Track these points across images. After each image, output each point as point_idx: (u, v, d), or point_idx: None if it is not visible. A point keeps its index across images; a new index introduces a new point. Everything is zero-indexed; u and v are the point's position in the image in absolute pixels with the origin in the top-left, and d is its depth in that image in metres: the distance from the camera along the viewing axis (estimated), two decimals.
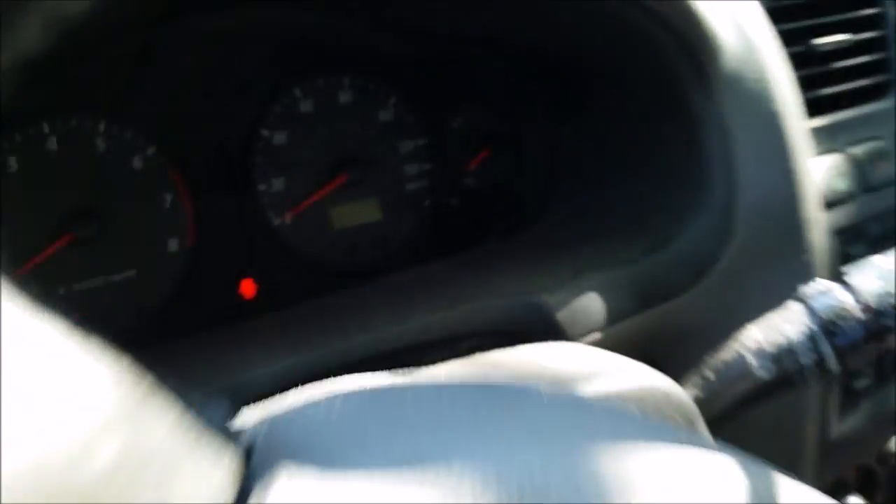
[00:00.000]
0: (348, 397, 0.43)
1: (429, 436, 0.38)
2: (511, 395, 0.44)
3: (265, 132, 1.11)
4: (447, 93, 1.23)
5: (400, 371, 0.77)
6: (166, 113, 1.05)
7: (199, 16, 1.02)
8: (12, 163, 0.95)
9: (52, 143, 0.98)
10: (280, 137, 1.12)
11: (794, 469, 1.05)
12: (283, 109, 1.12)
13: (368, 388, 0.45)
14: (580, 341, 0.90)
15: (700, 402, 0.70)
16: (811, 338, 0.71)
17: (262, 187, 1.11)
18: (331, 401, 0.42)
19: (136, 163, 1.04)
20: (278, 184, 1.12)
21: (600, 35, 1.00)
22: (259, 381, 0.86)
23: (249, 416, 0.43)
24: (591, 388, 0.63)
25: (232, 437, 0.38)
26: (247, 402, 0.85)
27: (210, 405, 0.38)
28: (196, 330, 1.06)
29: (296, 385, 0.88)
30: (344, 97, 1.17)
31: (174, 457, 0.32)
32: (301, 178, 1.14)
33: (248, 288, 1.11)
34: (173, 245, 1.07)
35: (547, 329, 0.90)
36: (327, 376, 0.91)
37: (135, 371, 0.33)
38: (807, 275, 0.95)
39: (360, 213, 1.18)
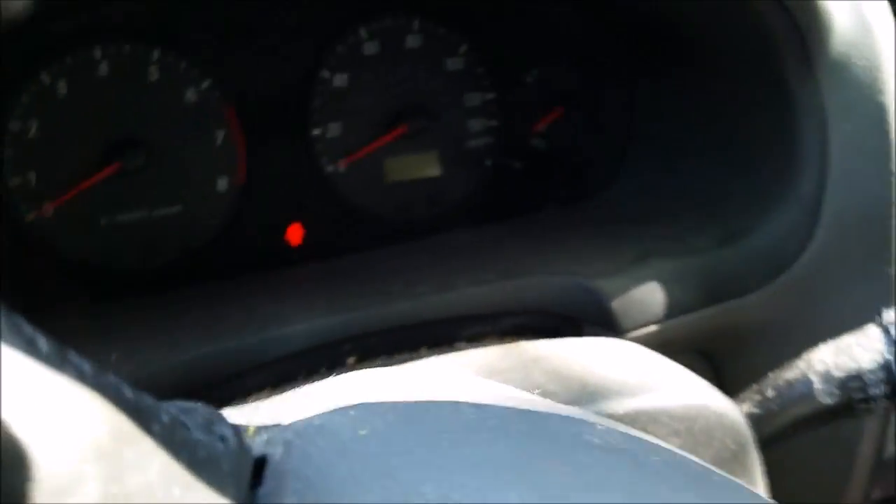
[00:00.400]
0: (376, 415, 0.39)
1: (465, 478, 0.33)
2: (558, 436, 0.39)
3: (325, 73, 1.06)
4: (522, 45, 1.15)
5: (428, 356, 0.73)
6: (224, 46, 1.00)
7: None
8: (61, 86, 0.93)
9: (104, 69, 0.95)
10: (340, 80, 1.07)
11: (843, 485, 0.98)
12: (346, 50, 1.06)
13: (399, 404, 0.40)
14: (633, 333, 0.84)
15: (754, 420, 0.64)
16: (885, 368, 0.64)
17: (316, 132, 1.06)
18: (356, 419, 0.38)
19: (190, 95, 1.00)
20: (334, 129, 1.07)
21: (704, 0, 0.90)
22: (291, 338, 0.83)
23: (257, 423, 0.39)
24: (639, 403, 0.58)
25: (240, 455, 0.34)
26: (275, 360, 0.83)
27: (216, 420, 0.34)
28: (237, 273, 1.03)
29: (326, 348, 0.85)
30: (412, 41, 1.10)
31: (171, 485, 0.28)
32: (358, 125, 1.08)
33: (294, 234, 1.07)
34: (222, 184, 1.04)
35: (599, 316, 0.85)
36: (362, 339, 0.89)
37: (135, 393, 0.29)
38: (890, 296, 0.86)
39: (416, 166, 1.13)
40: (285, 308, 0.87)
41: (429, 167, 1.13)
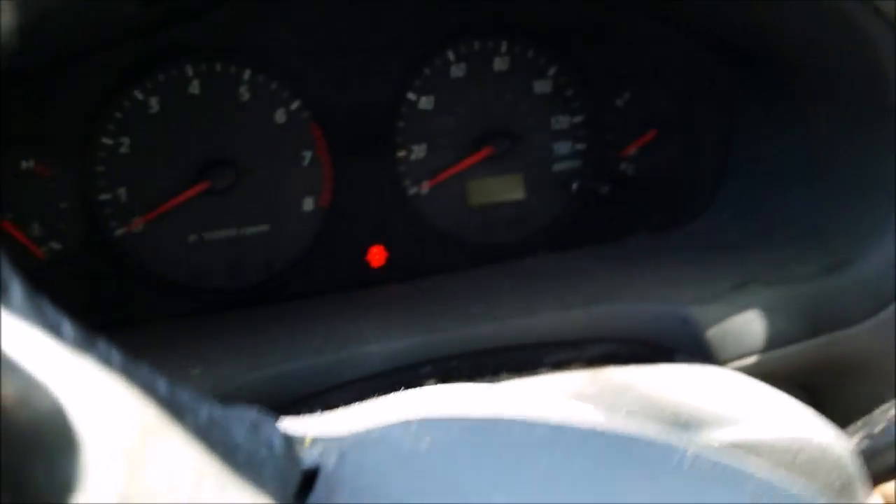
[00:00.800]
0: (440, 429, 0.36)
1: (537, 493, 0.30)
2: (642, 457, 0.35)
3: (412, 95, 1.05)
4: (614, 67, 1.12)
5: (509, 380, 0.70)
6: (313, 67, 1.01)
7: None
8: (154, 103, 0.95)
9: (195, 87, 0.96)
10: (426, 102, 1.06)
11: None
12: (433, 73, 1.06)
13: (466, 418, 0.37)
14: (731, 365, 0.78)
15: (862, 455, 0.58)
16: None
17: (401, 153, 1.06)
18: (417, 432, 0.35)
19: (279, 116, 1.01)
20: (419, 151, 1.06)
21: (809, 21, 0.85)
22: (370, 359, 0.81)
23: (315, 434, 0.37)
24: (738, 433, 0.53)
25: (286, 461, 0.31)
26: (353, 380, 0.82)
27: (266, 426, 0.32)
28: (319, 293, 1.03)
29: (406, 370, 0.83)
30: (499, 64, 1.08)
31: (201, 483, 0.26)
32: (443, 147, 1.07)
33: (376, 255, 1.06)
34: (308, 203, 1.04)
35: (694, 346, 0.79)
36: (442, 362, 0.86)
37: (171, 388, 0.28)
38: None
39: (501, 189, 1.10)
40: (365, 328, 0.86)
41: (513, 190, 1.11)
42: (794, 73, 0.98)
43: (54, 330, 0.24)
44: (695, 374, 0.65)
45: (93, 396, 0.24)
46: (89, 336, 0.26)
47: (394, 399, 0.44)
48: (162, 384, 0.28)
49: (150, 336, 0.91)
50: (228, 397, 0.76)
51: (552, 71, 1.10)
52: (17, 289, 0.24)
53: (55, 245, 0.94)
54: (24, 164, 0.92)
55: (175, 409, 0.27)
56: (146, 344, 0.87)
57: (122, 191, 0.95)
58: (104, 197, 0.95)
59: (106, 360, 0.26)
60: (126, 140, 0.95)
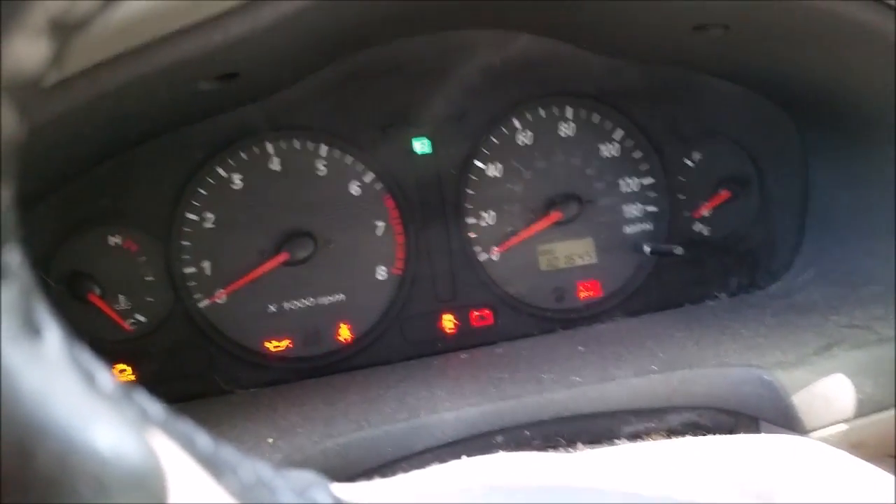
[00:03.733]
0: (502, 497, 0.35)
1: None
2: None
3: (479, 163, 1.07)
4: (683, 127, 1.11)
5: (584, 451, 0.68)
6: (384, 140, 1.04)
7: (412, 40, 1.01)
8: (236, 179, 0.99)
9: (275, 163, 1.01)
10: (494, 170, 1.08)
11: None
12: (500, 140, 1.07)
13: (531, 488, 0.37)
14: (817, 434, 0.75)
15: None
16: None
17: (471, 220, 1.07)
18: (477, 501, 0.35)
19: (353, 188, 1.04)
20: (488, 217, 1.08)
21: (888, 75, 0.84)
22: (441, 426, 0.81)
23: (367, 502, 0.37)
24: None
25: None
26: (426, 450, 0.82)
27: (315, 489, 0.32)
28: (393, 360, 1.04)
29: (478, 438, 0.83)
30: (565, 129, 1.09)
31: None
32: (512, 213, 1.08)
33: (448, 322, 1.07)
34: (381, 272, 1.06)
35: (778, 413, 0.76)
36: (514, 430, 0.85)
37: (216, 445, 0.28)
38: None
39: (571, 254, 1.10)
40: (437, 395, 0.86)
41: (584, 254, 1.10)
42: (870, 126, 0.96)
43: (89, 379, 0.24)
44: (782, 444, 0.62)
45: (127, 449, 0.23)
46: (127, 387, 0.26)
47: (448, 469, 0.43)
48: (203, 440, 0.28)
49: (229, 406, 0.93)
50: (304, 464, 0.77)
51: (618, 134, 1.10)
52: (54, 336, 0.23)
53: (140, 317, 0.98)
54: (111, 240, 0.97)
55: (216, 466, 0.27)
56: (226, 413, 0.89)
57: (206, 264, 0.99)
58: (189, 270, 0.99)
59: (143, 412, 0.26)
60: (210, 215, 0.99)
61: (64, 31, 0.22)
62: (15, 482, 0.21)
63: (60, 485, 0.21)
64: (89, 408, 0.23)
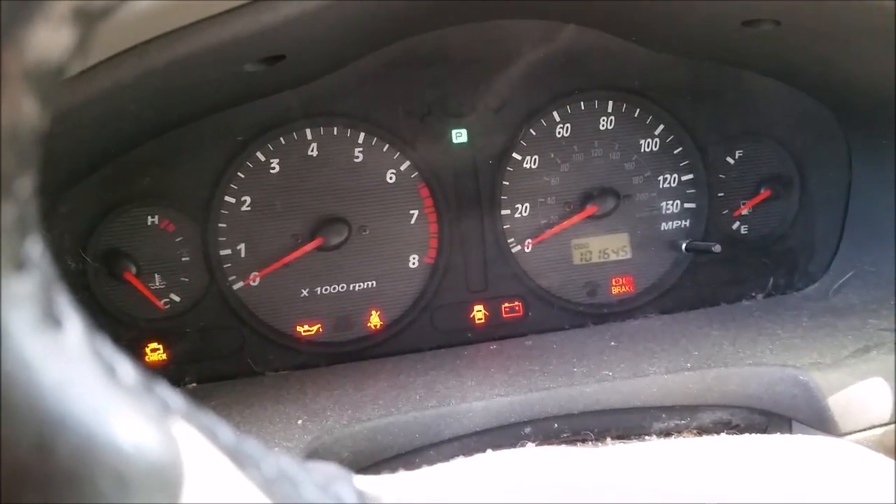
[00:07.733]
0: (524, 496, 0.35)
1: None
2: None
3: (516, 155, 1.06)
4: (725, 124, 1.10)
5: (612, 445, 0.68)
6: (422, 128, 1.04)
7: (457, 29, 1.00)
8: (275, 164, 1.00)
9: (313, 149, 1.01)
10: (531, 162, 1.07)
11: None
12: (538, 133, 1.07)
13: (555, 487, 0.36)
14: (853, 437, 0.73)
15: None
16: None
17: (505, 212, 1.07)
18: (498, 499, 0.34)
19: (389, 176, 1.04)
20: (522, 210, 1.07)
21: None
22: (469, 415, 0.81)
23: (391, 496, 0.36)
24: None
25: None
26: (453, 438, 0.82)
27: (339, 483, 0.32)
28: (423, 348, 1.04)
29: (506, 428, 0.82)
30: (604, 123, 1.08)
31: None
32: (546, 205, 1.07)
33: (478, 313, 1.07)
34: (413, 261, 1.06)
35: (812, 415, 0.75)
36: (543, 422, 0.84)
37: (238, 438, 0.28)
38: None
39: (605, 248, 1.09)
40: (466, 385, 0.86)
41: (619, 249, 1.09)
42: None
43: (110, 371, 0.23)
44: (817, 446, 0.61)
45: (148, 442, 0.23)
46: (148, 379, 0.25)
47: (472, 465, 0.43)
48: (225, 433, 0.27)
49: (260, 387, 0.94)
50: (332, 446, 0.77)
51: (659, 129, 1.09)
52: (75, 327, 0.23)
53: (175, 297, 0.99)
54: (149, 220, 0.98)
55: (239, 459, 0.27)
56: (257, 394, 0.90)
57: (241, 246, 1.00)
58: (224, 252, 1.00)
59: (164, 405, 0.25)
60: (247, 199, 1.00)
61: (87, 19, 0.22)
62: (35, 476, 0.20)
63: (80, 479, 0.21)
64: (110, 401, 0.23)
